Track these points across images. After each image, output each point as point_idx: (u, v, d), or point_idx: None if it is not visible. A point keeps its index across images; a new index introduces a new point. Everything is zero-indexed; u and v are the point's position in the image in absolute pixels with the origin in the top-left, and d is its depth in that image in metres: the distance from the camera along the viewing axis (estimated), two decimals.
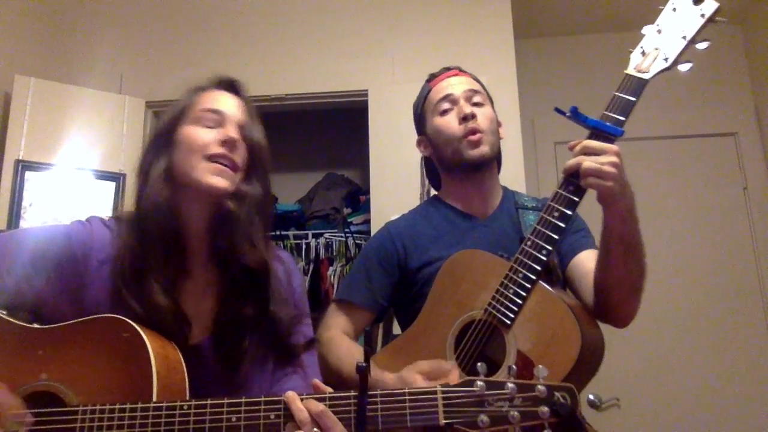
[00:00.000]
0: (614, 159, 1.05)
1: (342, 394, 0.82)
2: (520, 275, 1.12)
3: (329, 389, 0.85)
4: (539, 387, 0.77)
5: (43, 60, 2.82)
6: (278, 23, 2.98)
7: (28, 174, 2.49)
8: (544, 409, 0.76)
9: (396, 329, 1.62)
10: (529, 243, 1.13)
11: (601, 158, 1.06)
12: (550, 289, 1.12)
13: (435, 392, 0.79)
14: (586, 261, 1.29)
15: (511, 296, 1.12)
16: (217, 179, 1.00)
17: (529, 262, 1.12)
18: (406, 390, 0.81)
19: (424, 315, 1.27)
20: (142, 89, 2.83)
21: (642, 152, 3.11)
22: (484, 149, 1.37)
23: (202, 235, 1.06)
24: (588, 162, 1.06)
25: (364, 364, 0.77)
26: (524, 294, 1.11)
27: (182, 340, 0.97)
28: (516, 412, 0.76)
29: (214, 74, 1.15)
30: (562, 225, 1.11)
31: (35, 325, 0.96)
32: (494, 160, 1.43)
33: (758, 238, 3.03)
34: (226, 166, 1.02)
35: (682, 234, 3.05)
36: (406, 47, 2.88)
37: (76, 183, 2.56)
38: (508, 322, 1.11)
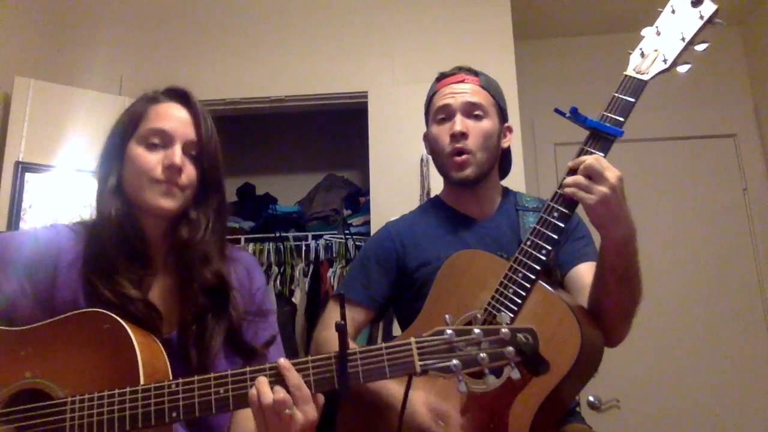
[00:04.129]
0: (611, 179, 1.04)
1: (323, 356, 0.87)
2: (520, 275, 1.12)
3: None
4: (503, 330, 0.84)
5: (43, 61, 2.83)
6: (278, 25, 2.98)
7: (27, 176, 2.48)
8: (510, 349, 0.82)
9: (396, 330, 1.62)
10: (528, 243, 1.13)
11: (600, 181, 1.05)
12: (549, 288, 1.12)
13: (410, 343, 0.85)
14: (585, 274, 1.28)
15: (511, 296, 1.12)
16: (163, 200, 1.04)
17: (529, 262, 1.12)
18: (383, 345, 0.87)
19: (424, 314, 1.27)
20: (141, 91, 2.79)
21: (641, 154, 3.11)
22: (467, 172, 1.38)
23: (160, 241, 1.09)
24: (579, 189, 1.06)
25: (342, 323, 0.85)
26: (524, 293, 1.11)
27: (157, 329, 1.00)
28: (484, 354, 0.83)
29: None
30: (562, 225, 1.11)
31: (14, 327, 0.97)
32: (482, 177, 1.42)
33: (758, 238, 3.03)
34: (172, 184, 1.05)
35: (682, 235, 3.05)
36: (406, 48, 2.88)
37: (76, 184, 2.55)
38: (509, 321, 1.11)
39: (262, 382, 0.85)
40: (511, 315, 1.11)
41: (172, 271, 1.09)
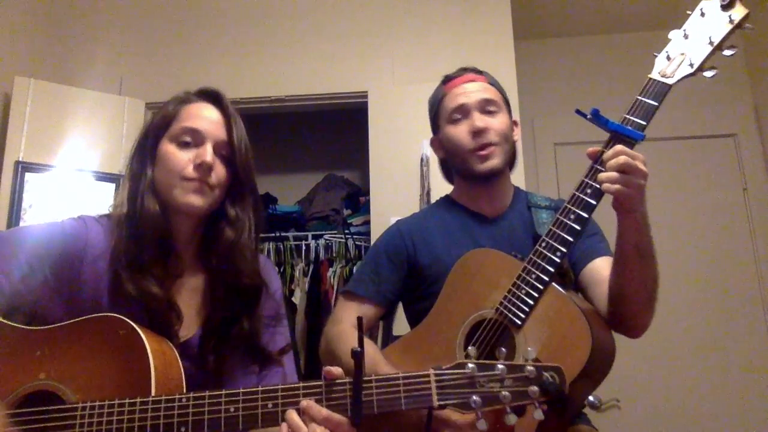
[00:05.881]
0: (645, 169, 1.05)
1: (338, 381, 0.84)
2: (533, 276, 1.12)
3: (339, 370, 0.86)
4: (528, 367, 0.79)
5: (43, 61, 2.82)
6: (278, 25, 2.98)
7: (27, 175, 2.49)
8: (534, 388, 0.78)
9: (396, 329, 1.62)
10: (543, 244, 1.13)
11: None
12: (562, 291, 1.12)
13: (428, 375, 0.81)
14: (601, 269, 1.27)
15: (523, 297, 1.11)
16: (193, 197, 1.04)
17: (543, 264, 1.11)
18: (400, 374, 0.83)
19: (435, 312, 1.27)
20: (142, 90, 2.83)
21: (642, 154, 3.11)
22: (494, 162, 1.37)
23: (190, 240, 1.10)
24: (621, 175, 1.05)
25: (358, 349, 0.80)
26: (536, 295, 1.10)
27: (174, 331, 1.00)
28: (507, 392, 0.78)
29: (201, 84, 1.16)
30: (578, 228, 1.10)
31: (32, 327, 0.96)
32: (505, 168, 1.42)
33: (758, 238, 3.04)
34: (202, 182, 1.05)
35: (682, 235, 3.05)
36: (406, 49, 2.88)
37: (76, 184, 2.56)
38: (519, 322, 1.11)
39: (293, 418, 0.82)
40: (523, 316, 1.11)
41: (200, 272, 1.10)
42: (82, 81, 2.80)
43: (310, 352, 2.94)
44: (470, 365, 0.80)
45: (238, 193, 1.09)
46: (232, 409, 0.84)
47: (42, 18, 2.89)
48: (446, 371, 0.81)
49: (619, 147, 1.07)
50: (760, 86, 3.18)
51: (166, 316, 0.99)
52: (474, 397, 0.79)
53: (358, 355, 0.81)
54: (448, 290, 1.27)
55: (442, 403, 0.80)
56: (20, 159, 2.48)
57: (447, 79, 1.48)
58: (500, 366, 0.80)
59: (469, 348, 0.85)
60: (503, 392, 0.78)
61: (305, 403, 0.83)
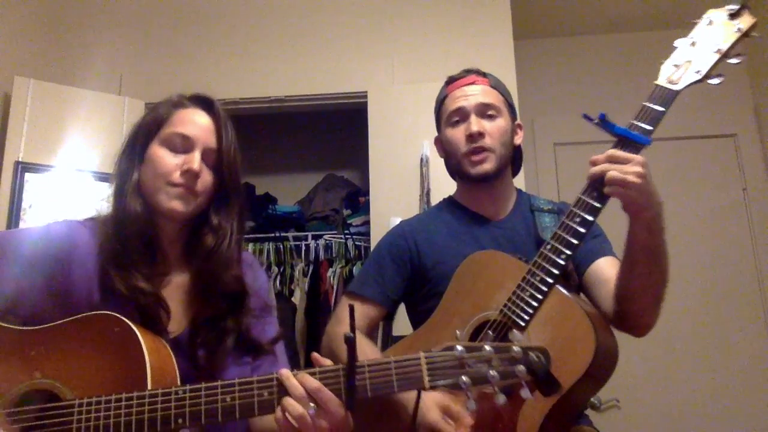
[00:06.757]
0: (639, 169, 1.06)
1: (332, 367, 0.87)
2: (538, 278, 1.12)
3: (328, 361, 0.89)
4: (514, 348, 0.83)
5: (42, 61, 2.82)
6: (278, 25, 2.98)
7: (27, 175, 2.48)
8: (521, 368, 0.81)
9: (396, 330, 1.62)
10: (548, 247, 1.14)
11: (627, 167, 1.06)
12: (567, 293, 1.12)
13: (419, 358, 0.85)
14: (605, 268, 1.29)
15: (527, 298, 1.12)
16: (176, 203, 1.05)
17: (548, 266, 1.12)
18: (392, 359, 0.86)
19: (439, 312, 1.27)
20: (141, 90, 2.83)
21: (641, 154, 3.11)
22: (487, 167, 1.38)
23: (174, 240, 1.11)
24: (613, 171, 1.06)
25: (351, 335, 0.82)
26: (540, 297, 1.11)
27: (163, 326, 1.01)
28: (495, 372, 0.81)
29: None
30: (583, 230, 1.11)
31: (25, 327, 0.97)
32: (500, 172, 1.42)
33: (758, 238, 3.04)
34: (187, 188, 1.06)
35: (682, 235, 3.05)
36: (406, 48, 2.88)
37: (75, 184, 2.56)
38: (523, 324, 1.11)
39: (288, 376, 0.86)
40: (527, 317, 1.11)
41: (187, 271, 1.11)
42: (82, 81, 2.80)
43: (310, 352, 2.94)
44: (459, 347, 0.84)
45: (223, 200, 1.11)
46: (228, 399, 0.86)
47: (42, 18, 2.89)
48: (436, 353, 0.85)
49: (611, 152, 1.09)
50: (760, 86, 3.18)
51: (155, 312, 1.00)
52: (463, 378, 0.82)
53: (350, 340, 0.83)
54: (452, 291, 1.27)
55: (432, 384, 0.83)
56: (20, 159, 2.48)
57: (450, 81, 1.49)
58: (487, 347, 0.83)
59: (457, 331, 0.87)
60: (491, 372, 0.81)
61: (300, 375, 0.86)
